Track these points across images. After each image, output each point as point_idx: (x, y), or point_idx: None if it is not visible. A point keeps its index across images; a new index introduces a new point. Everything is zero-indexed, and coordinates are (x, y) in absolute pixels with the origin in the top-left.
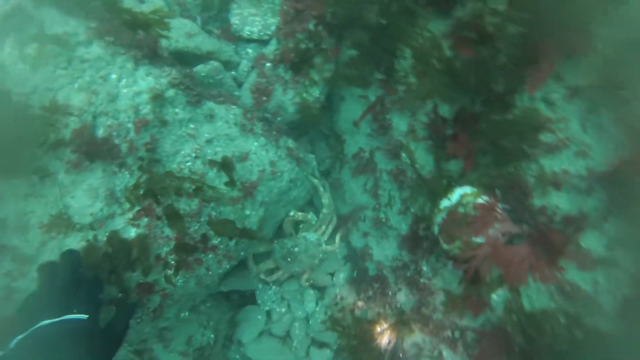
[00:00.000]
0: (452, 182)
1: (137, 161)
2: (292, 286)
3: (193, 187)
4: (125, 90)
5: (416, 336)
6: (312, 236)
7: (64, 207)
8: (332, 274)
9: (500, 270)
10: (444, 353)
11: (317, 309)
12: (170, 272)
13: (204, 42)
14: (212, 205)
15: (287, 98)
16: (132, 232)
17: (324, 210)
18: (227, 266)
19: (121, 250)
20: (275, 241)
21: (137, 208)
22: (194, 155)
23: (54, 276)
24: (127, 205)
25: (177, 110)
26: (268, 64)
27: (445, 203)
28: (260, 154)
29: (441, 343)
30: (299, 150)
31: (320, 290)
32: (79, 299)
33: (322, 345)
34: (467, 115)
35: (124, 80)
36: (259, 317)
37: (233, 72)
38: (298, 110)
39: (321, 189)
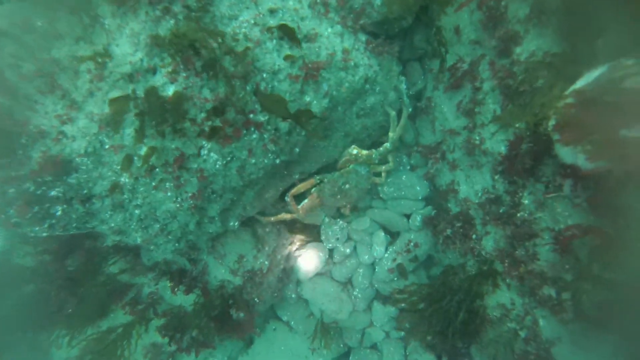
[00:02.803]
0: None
1: (184, 9)
2: (362, 224)
3: (243, 47)
4: None
5: (502, 294)
6: (363, 169)
7: (109, 56)
8: (407, 216)
9: None
10: (541, 322)
11: (386, 254)
12: (205, 142)
13: None
14: (264, 75)
15: None
16: (170, 89)
17: (387, 146)
18: (276, 160)
19: (156, 107)
20: (325, 179)
21: (177, 59)
22: (252, 21)
23: None
24: (169, 59)
25: None
26: None
27: (579, 84)
28: (332, 40)
29: (538, 307)
30: (383, 46)
31: (392, 234)
32: None
33: (387, 300)
34: None
35: None
36: (320, 254)
37: None
38: (385, 1)
39: (394, 121)
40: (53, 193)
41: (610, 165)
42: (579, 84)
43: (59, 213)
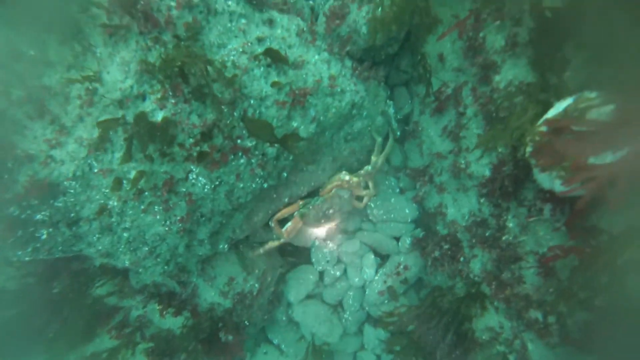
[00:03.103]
0: (564, 95)
1: (173, 39)
2: (351, 247)
3: (231, 74)
4: None
5: (491, 317)
6: (345, 193)
7: (100, 83)
8: (397, 239)
9: None
10: (530, 346)
11: (376, 277)
12: (193, 167)
13: None
14: (252, 102)
15: (360, 15)
16: (159, 115)
17: (368, 168)
18: (264, 184)
19: (146, 132)
20: (310, 205)
21: (166, 86)
22: (240, 50)
23: None
24: (158, 86)
25: (229, 2)
26: None
27: (550, 114)
28: (319, 67)
29: (526, 330)
30: (369, 71)
31: (382, 256)
32: None
33: (377, 323)
34: None
35: None
36: (310, 276)
37: (311, 2)
38: (371, 29)
39: (379, 146)
40: (39, 217)
41: (581, 189)
42: (550, 113)
43: (44, 237)
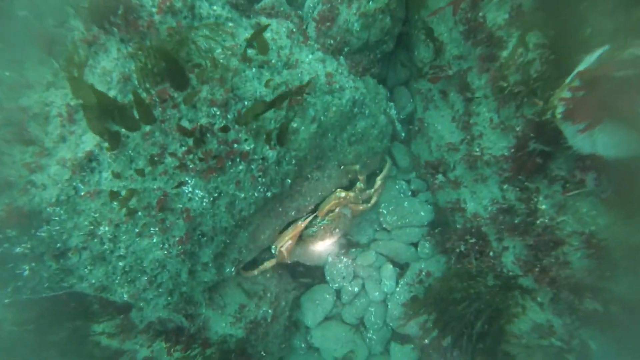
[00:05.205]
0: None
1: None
2: (367, 260)
3: (220, 74)
4: None
5: (536, 315)
6: (347, 211)
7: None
8: (415, 245)
9: None
10: (592, 345)
11: (398, 288)
12: (188, 178)
13: None
14: (246, 103)
15: (351, 13)
16: (146, 127)
17: (359, 185)
18: (267, 193)
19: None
20: (319, 226)
21: (152, 92)
22: (229, 52)
23: None
24: (143, 94)
25: (215, 7)
26: None
27: (582, 67)
28: (315, 65)
29: (583, 326)
30: (365, 64)
31: (401, 265)
32: None
33: (405, 339)
34: None
35: None
36: (327, 296)
37: (299, 12)
38: (364, 25)
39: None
40: (18, 249)
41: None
42: (582, 66)
43: (26, 273)
